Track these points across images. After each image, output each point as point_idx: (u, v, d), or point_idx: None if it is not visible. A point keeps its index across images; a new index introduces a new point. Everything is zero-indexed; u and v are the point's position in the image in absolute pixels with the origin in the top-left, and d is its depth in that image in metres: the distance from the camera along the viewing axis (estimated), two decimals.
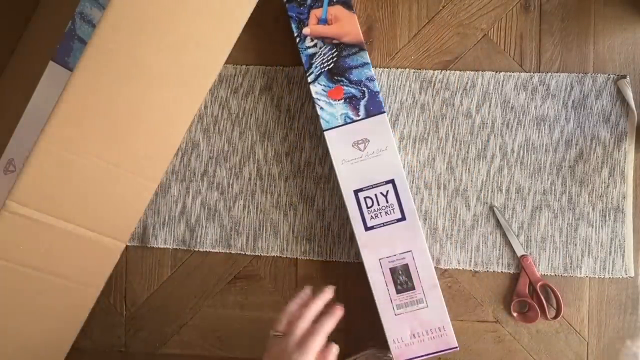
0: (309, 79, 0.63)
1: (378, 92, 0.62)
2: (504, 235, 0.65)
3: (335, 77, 0.62)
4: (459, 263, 0.66)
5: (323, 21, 0.62)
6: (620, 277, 0.64)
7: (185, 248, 0.69)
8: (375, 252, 0.60)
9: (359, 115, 0.61)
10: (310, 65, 0.62)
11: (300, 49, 0.63)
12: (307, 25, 0.62)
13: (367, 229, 0.61)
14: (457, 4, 0.67)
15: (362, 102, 0.62)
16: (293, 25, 0.63)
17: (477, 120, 0.66)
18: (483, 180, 0.66)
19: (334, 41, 0.62)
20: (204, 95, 0.66)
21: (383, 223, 0.60)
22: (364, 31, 0.67)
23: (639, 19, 0.66)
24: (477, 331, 0.66)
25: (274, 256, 0.68)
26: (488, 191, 0.66)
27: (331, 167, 0.67)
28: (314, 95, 0.62)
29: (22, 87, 0.63)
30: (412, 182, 0.67)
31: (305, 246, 0.68)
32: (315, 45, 0.62)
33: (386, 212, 0.60)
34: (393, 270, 0.60)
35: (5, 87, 0.68)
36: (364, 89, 0.62)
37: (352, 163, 0.61)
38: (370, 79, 0.62)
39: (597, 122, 0.66)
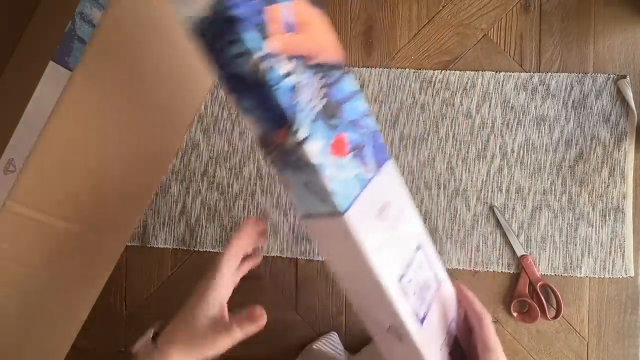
0: (300, 135, 0.33)
1: (377, 130, 0.41)
2: (504, 235, 0.65)
3: (331, 122, 0.36)
4: (459, 263, 0.66)
5: (288, 27, 0.34)
6: (620, 277, 0.64)
7: (185, 248, 0.69)
8: (434, 344, 0.42)
9: (370, 171, 0.39)
10: (294, 110, 0.33)
11: (270, 84, 0.32)
12: (271, 34, 0.32)
13: (421, 321, 0.40)
14: (457, 4, 0.67)
15: (368, 150, 0.39)
16: (246, 37, 0.31)
17: (477, 120, 0.66)
18: (483, 180, 0.66)
19: (311, 62, 0.35)
20: (204, 95, 0.66)
21: (429, 304, 0.42)
22: (364, 31, 0.66)
23: (639, 19, 0.66)
24: None
25: (274, 256, 0.68)
26: (488, 191, 0.66)
27: None
28: (315, 162, 0.33)
29: (22, 87, 0.63)
30: (412, 182, 0.67)
31: (305, 246, 0.68)
32: (294, 72, 0.33)
33: (427, 289, 0.42)
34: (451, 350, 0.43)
35: (5, 87, 0.68)
36: (364, 130, 0.39)
37: (384, 242, 0.38)
38: (366, 114, 0.40)
39: (597, 122, 0.66)
